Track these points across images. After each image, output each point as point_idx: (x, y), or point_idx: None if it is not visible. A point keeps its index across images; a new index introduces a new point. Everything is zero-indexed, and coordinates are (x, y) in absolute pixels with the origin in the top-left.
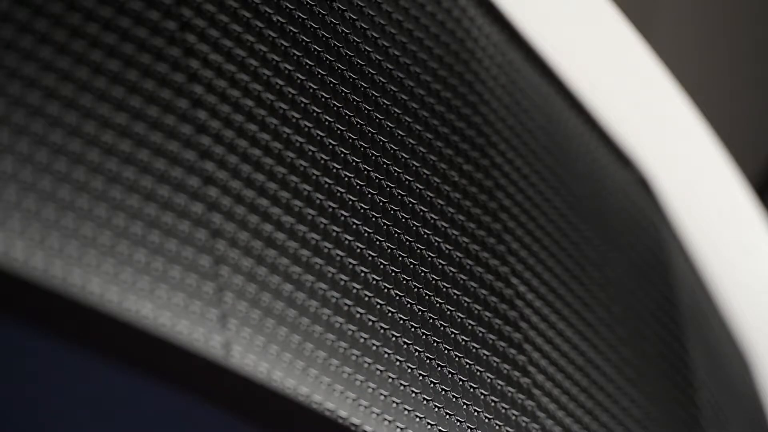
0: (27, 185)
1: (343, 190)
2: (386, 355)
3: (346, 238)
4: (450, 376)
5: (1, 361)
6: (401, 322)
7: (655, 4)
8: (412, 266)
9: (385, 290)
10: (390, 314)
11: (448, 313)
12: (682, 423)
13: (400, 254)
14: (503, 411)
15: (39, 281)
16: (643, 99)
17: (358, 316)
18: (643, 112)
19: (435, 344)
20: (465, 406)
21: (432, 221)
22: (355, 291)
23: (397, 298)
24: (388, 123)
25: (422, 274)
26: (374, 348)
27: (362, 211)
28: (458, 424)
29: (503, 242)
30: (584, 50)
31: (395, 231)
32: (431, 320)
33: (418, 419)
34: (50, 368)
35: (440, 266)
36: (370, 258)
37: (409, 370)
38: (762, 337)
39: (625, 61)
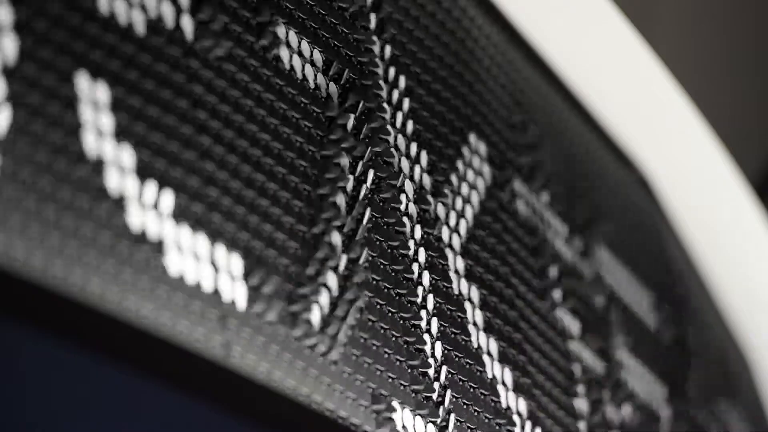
0: (27, 185)
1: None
2: (386, 355)
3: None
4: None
5: (1, 361)
6: (401, 321)
7: (655, 4)
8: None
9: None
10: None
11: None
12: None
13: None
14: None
15: (39, 281)
16: (644, 99)
17: (358, 316)
18: (644, 112)
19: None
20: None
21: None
22: (354, 291)
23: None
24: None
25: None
26: (374, 347)
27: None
28: (458, 424)
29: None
30: (584, 50)
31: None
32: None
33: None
34: (50, 368)
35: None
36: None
37: (410, 370)
38: (762, 336)
39: (625, 61)
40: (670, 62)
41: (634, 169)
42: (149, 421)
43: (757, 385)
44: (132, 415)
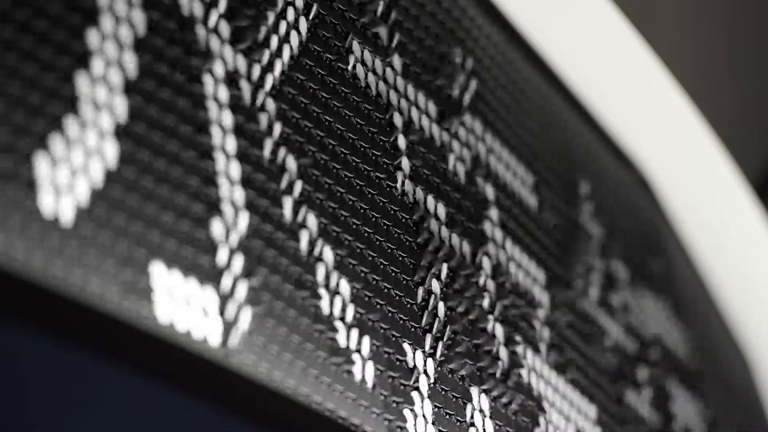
0: (28, 186)
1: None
2: (386, 355)
3: (346, 237)
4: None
5: (1, 361)
6: (402, 323)
7: (655, 4)
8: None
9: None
10: (389, 314)
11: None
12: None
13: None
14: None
15: (39, 281)
16: (644, 99)
17: (358, 316)
18: (644, 112)
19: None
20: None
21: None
22: (355, 291)
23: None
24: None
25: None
26: (374, 348)
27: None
28: (458, 424)
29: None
30: (584, 50)
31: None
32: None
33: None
34: (50, 368)
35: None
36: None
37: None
38: (762, 336)
39: (625, 61)
40: (670, 62)
41: (634, 169)
42: (149, 421)
43: (757, 385)
44: (132, 415)
